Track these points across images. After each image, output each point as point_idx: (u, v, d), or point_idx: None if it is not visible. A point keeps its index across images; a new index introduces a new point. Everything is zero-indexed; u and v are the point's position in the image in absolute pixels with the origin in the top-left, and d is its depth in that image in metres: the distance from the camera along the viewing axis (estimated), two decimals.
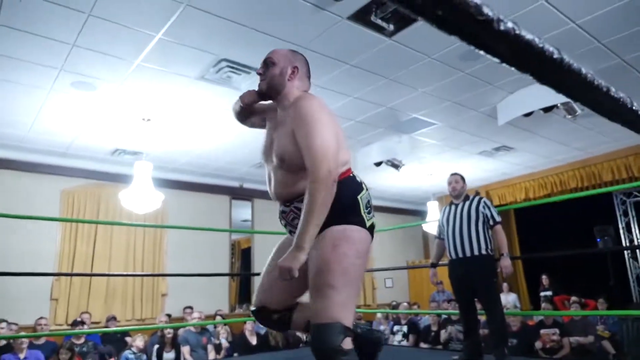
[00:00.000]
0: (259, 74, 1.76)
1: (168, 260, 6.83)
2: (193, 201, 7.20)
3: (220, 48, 3.68)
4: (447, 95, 4.75)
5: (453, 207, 3.53)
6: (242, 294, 9.02)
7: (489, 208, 3.39)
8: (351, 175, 1.64)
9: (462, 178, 3.59)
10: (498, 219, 3.38)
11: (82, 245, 6.18)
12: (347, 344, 1.43)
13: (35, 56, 3.69)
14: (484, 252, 3.29)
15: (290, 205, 1.66)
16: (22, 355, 4.49)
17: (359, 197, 1.59)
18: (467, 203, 3.46)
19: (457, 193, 3.54)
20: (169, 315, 6.35)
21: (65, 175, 6.24)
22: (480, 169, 7.58)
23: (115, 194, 5.48)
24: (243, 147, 5.94)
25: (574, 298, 6.06)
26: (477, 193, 3.73)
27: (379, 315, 6.99)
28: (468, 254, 3.31)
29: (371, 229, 1.61)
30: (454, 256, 3.40)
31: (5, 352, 4.50)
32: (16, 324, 5.11)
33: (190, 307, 6.31)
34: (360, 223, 1.56)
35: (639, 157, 6.70)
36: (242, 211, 8.09)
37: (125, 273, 6.33)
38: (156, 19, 3.26)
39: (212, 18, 3.27)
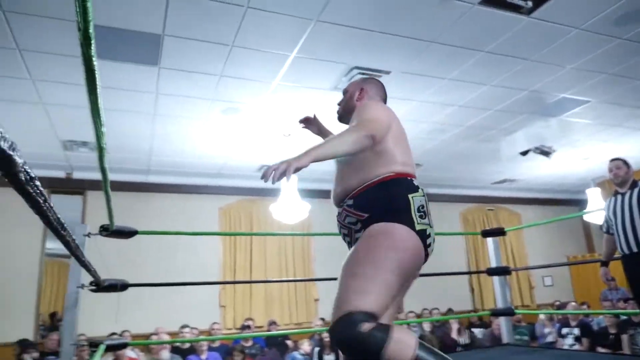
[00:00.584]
0: (338, 104, 1.92)
1: (316, 266, 7.15)
2: (333, 208, 7.42)
3: (350, 57, 3.76)
4: (601, 68, 4.23)
5: (619, 197, 3.12)
6: None
7: None
8: (409, 178, 1.56)
9: (625, 162, 3.15)
10: None
11: (240, 257, 6.78)
12: (367, 327, 1.27)
13: (192, 90, 4.17)
14: None
15: (343, 205, 1.64)
16: (203, 357, 5.06)
17: (410, 195, 1.50)
18: (636, 190, 3.03)
19: (621, 180, 3.12)
20: (322, 319, 6.61)
21: (220, 194, 6.92)
22: None
23: (265, 207, 5.90)
24: None
25: None
26: None
27: (542, 316, 6.42)
28: None
29: (421, 234, 1.46)
30: (626, 251, 3.00)
31: (190, 354, 5.12)
32: (197, 329, 5.78)
33: None
34: (408, 222, 1.45)
35: None
36: None
37: (280, 279, 6.77)
38: (289, 39, 3.46)
39: (340, 29, 3.36)
